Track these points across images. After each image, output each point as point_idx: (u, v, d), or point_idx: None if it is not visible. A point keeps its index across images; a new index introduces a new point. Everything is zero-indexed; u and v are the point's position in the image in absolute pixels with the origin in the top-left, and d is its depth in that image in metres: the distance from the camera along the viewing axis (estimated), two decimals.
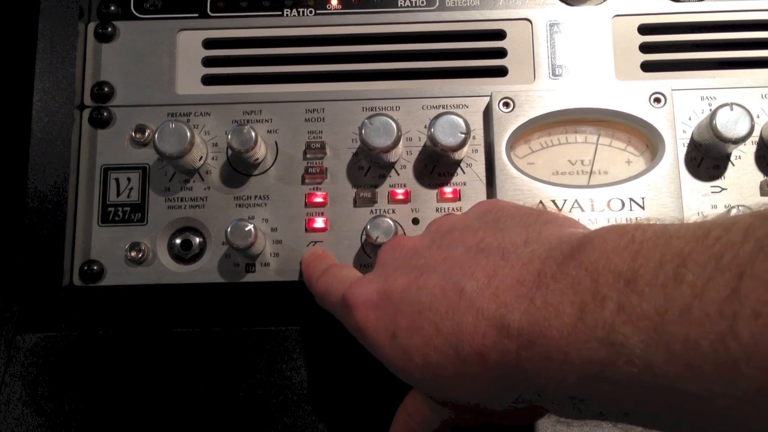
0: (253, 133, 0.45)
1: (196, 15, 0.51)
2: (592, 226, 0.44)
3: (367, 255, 0.47)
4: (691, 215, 0.46)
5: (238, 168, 0.48)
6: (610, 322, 0.24)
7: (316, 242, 0.47)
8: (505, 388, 0.29)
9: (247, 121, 0.49)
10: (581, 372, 0.25)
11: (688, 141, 0.48)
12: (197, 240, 0.48)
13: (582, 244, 0.27)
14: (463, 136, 0.44)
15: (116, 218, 0.48)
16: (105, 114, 0.49)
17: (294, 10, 0.51)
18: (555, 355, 0.26)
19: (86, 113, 0.49)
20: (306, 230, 0.47)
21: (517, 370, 0.28)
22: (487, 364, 0.28)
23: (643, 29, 0.50)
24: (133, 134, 0.49)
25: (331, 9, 0.51)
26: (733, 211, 0.44)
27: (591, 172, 0.48)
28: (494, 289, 0.29)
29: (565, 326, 0.26)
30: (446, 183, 0.48)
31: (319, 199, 0.47)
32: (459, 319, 0.29)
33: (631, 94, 0.47)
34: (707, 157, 0.47)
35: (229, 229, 0.44)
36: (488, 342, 0.28)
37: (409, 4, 0.51)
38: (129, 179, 0.48)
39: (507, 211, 0.35)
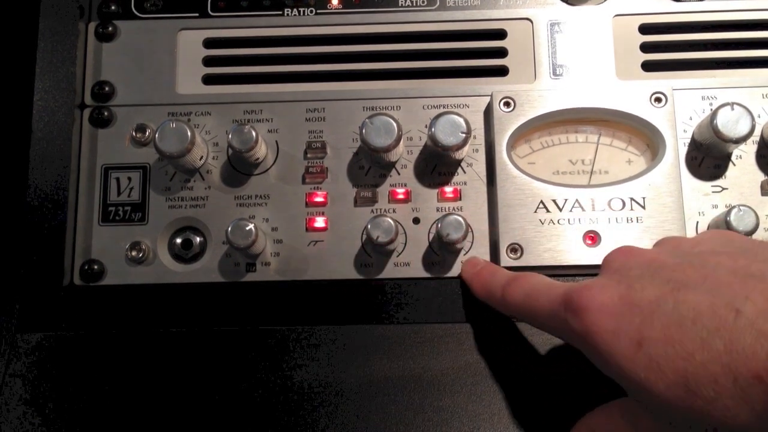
0: (253, 133, 0.45)
1: (197, 14, 0.51)
2: (594, 226, 0.45)
3: (368, 254, 0.47)
4: (692, 215, 0.46)
5: (239, 167, 0.48)
6: None
7: (316, 242, 0.47)
8: None
9: (248, 121, 0.49)
10: None
11: (688, 141, 0.48)
12: (198, 239, 0.48)
13: None
14: (464, 135, 0.44)
15: (117, 218, 0.48)
16: (105, 113, 0.49)
17: (294, 9, 0.51)
18: None
19: (87, 113, 0.49)
20: (306, 230, 0.47)
21: None
22: (764, 387, 0.28)
23: (644, 29, 0.50)
24: (134, 134, 0.49)
25: (331, 8, 0.51)
26: (734, 211, 0.44)
27: (592, 172, 0.48)
28: None
29: None
30: (447, 182, 0.48)
31: (319, 199, 0.47)
32: (733, 338, 0.29)
33: (631, 93, 0.47)
34: (708, 157, 0.47)
35: (229, 229, 0.44)
36: None
37: (410, 4, 0.51)
38: (129, 179, 0.48)
39: (752, 242, 0.36)
